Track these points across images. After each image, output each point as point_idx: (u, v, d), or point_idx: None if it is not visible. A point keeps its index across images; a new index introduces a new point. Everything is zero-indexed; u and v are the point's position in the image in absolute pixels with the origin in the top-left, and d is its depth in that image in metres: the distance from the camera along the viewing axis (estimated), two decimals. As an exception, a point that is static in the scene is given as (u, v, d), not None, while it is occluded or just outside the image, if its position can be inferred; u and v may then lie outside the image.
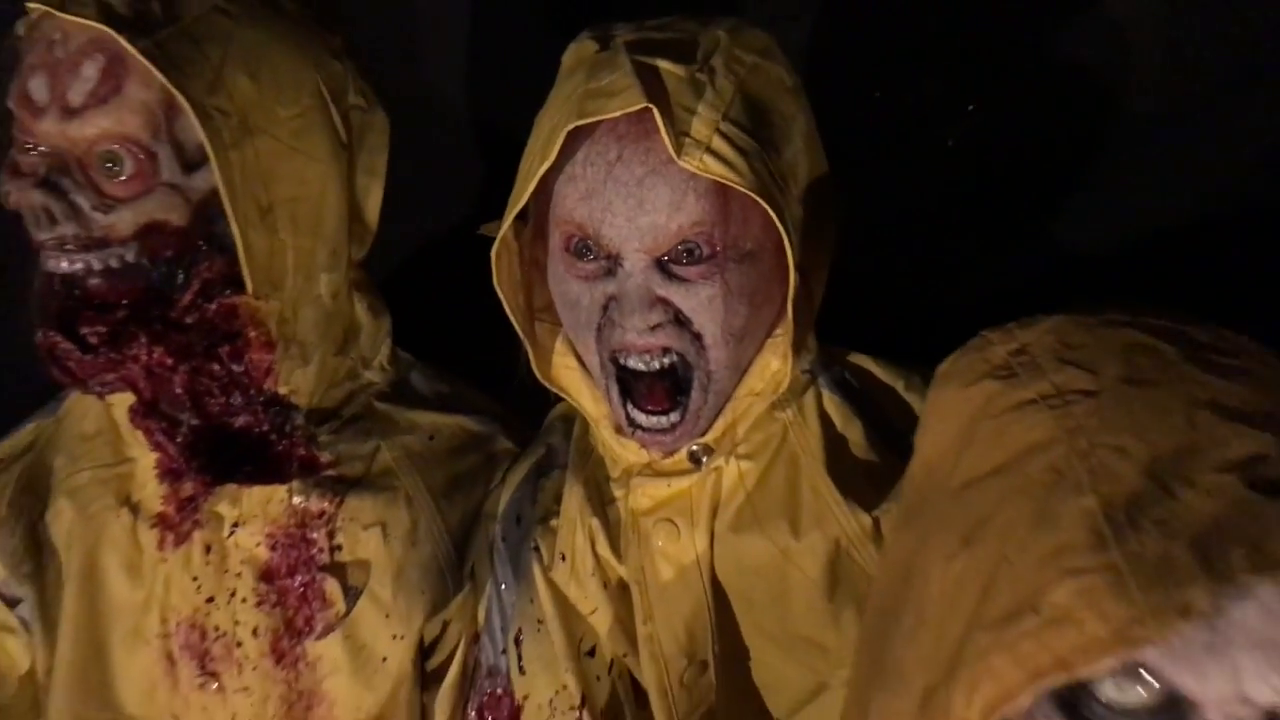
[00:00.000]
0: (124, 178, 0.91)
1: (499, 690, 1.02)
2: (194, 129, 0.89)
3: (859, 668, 0.65)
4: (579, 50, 0.89)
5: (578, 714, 0.97)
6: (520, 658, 1.01)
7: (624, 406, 0.90)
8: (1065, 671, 0.47)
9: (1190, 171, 1.34)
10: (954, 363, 0.64)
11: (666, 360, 0.88)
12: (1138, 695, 0.50)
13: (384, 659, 1.01)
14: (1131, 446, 0.51)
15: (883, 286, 1.25)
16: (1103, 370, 0.55)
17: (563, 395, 0.98)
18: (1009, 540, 0.52)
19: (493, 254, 0.91)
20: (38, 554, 1.05)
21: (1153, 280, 1.27)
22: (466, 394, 1.13)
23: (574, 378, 0.96)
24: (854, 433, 0.95)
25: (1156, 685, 0.49)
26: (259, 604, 1.00)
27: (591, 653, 0.99)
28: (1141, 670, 0.49)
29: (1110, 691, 0.50)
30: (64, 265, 0.92)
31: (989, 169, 1.38)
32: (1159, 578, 0.47)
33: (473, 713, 1.03)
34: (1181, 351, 0.56)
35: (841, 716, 0.66)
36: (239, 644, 1.01)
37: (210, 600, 1.00)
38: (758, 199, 0.81)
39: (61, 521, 1.03)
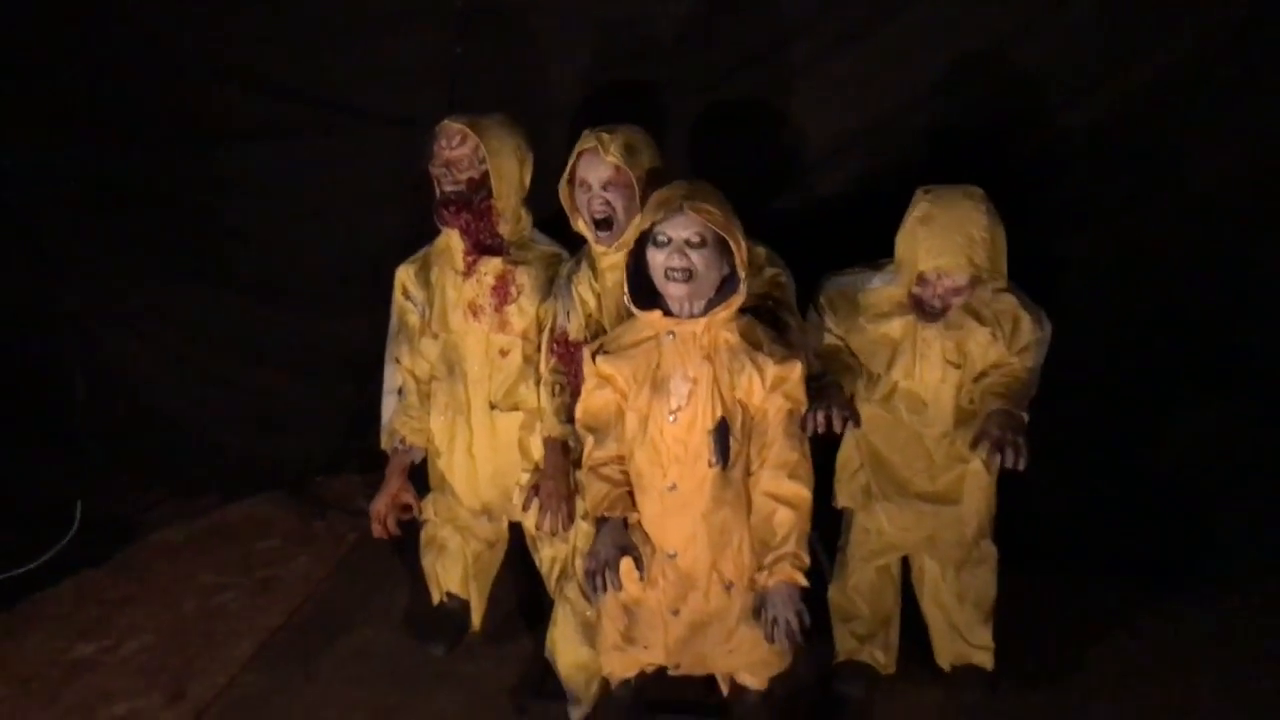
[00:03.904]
0: (464, 165, 3.07)
1: (562, 331, 3.11)
2: (484, 153, 3.05)
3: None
4: (584, 133, 3.00)
5: (586, 332, 3.07)
6: (568, 318, 3.11)
7: (594, 231, 3.01)
8: (648, 227, 2.65)
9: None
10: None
11: (606, 215, 2.97)
12: (664, 238, 2.64)
13: (527, 311, 3.15)
14: (669, 195, 2.68)
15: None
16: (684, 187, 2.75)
17: (583, 234, 3.11)
18: (653, 212, 2.71)
19: (560, 190, 3.05)
20: (428, 284, 3.23)
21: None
22: (553, 242, 3.23)
23: (583, 227, 3.03)
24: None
25: (667, 236, 2.66)
26: (490, 296, 3.15)
27: (589, 315, 3.12)
28: (663, 230, 2.65)
29: (659, 239, 2.66)
30: (447, 188, 3.08)
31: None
32: (659, 210, 2.64)
33: (554, 343, 3.14)
34: (691, 184, 2.73)
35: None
36: (484, 308, 3.15)
37: (478, 295, 3.16)
38: (628, 170, 2.94)
39: (434, 272, 3.21)
